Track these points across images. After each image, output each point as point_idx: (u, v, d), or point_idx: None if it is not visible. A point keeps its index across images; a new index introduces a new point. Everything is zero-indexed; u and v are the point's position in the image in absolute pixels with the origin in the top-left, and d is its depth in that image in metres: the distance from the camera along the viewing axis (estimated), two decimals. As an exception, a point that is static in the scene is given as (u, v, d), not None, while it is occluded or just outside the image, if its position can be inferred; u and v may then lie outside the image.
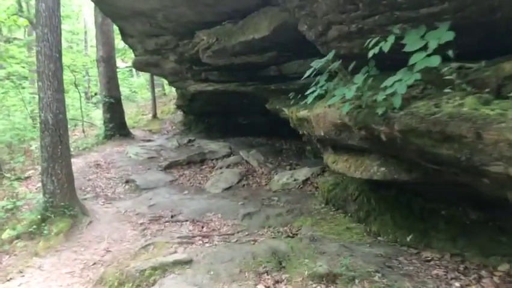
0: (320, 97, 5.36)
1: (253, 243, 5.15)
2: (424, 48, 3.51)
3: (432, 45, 3.46)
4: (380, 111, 3.92)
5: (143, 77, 33.44)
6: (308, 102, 4.77)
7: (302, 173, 8.00)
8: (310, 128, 6.15)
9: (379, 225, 5.26)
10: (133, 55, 30.58)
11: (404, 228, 5.08)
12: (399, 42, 3.88)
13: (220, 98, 14.17)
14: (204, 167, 9.56)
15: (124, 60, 30.37)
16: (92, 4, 17.97)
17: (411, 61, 3.63)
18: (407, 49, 3.68)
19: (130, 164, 10.91)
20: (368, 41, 4.17)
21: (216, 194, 7.73)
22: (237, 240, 5.32)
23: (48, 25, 5.94)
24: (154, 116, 20.56)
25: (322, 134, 4.72)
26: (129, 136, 16.35)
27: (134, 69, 34.34)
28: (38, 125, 5.98)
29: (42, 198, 6.02)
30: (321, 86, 4.76)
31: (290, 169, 9.08)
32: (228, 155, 10.21)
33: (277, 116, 12.85)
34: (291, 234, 5.38)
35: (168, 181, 8.45)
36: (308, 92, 4.96)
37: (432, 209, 4.99)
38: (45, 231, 5.75)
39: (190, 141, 14.56)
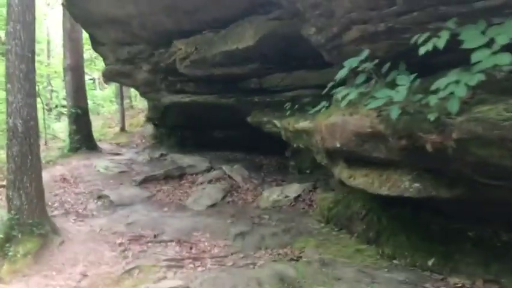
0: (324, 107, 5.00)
1: (253, 267, 4.66)
2: (487, 45, 3.13)
3: (501, 40, 3.03)
4: (431, 116, 3.42)
5: (108, 89, 32.39)
6: (343, 105, 4.17)
7: (293, 190, 7.58)
8: (310, 140, 5.79)
9: (393, 247, 4.87)
10: (98, 66, 29.77)
11: (423, 250, 4.69)
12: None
13: (196, 111, 13.68)
14: (182, 182, 8.98)
15: (88, 72, 29.35)
16: (58, 11, 17.20)
17: (474, 59, 3.16)
18: (466, 46, 3.23)
19: (99, 179, 10.20)
20: (417, 36, 3.71)
21: (200, 211, 7.21)
22: (233, 264, 4.82)
23: (21, 21, 5.34)
24: (122, 128, 19.74)
25: (338, 145, 4.32)
26: (96, 149, 15.52)
27: (97, 82, 33.34)
28: (5, 132, 5.29)
29: (7, 215, 5.32)
30: (357, 86, 4.17)
31: (276, 185, 8.65)
32: (208, 170, 9.68)
33: (257, 130, 12.46)
34: (294, 257, 4.91)
35: (145, 197, 7.83)
36: (341, 94, 4.35)
37: (455, 229, 4.62)
38: (10, 253, 5.04)
39: (162, 155, 13.95)
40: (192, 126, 15.45)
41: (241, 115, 12.11)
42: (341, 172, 4.69)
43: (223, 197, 7.70)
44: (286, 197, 7.34)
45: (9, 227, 5.25)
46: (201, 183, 8.48)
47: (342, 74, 4.31)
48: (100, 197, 7.97)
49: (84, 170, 11.73)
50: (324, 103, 5.22)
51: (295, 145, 7.05)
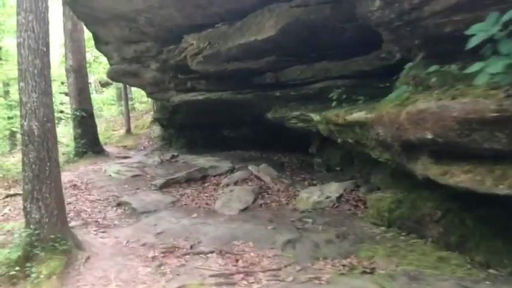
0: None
1: (320, 283, 4.05)
2: None
3: None
4: None
5: (106, 93, 31.68)
6: (481, 82, 3.26)
7: (333, 189, 6.97)
8: (366, 133, 5.18)
9: (486, 253, 4.22)
10: (92, 68, 29.05)
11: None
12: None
13: (207, 109, 13.10)
14: (206, 184, 8.37)
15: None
16: (58, 11, 16.54)
17: None
18: None
19: (113, 184, 9.60)
20: None
21: (233, 216, 6.59)
22: (294, 279, 4.20)
23: (33, 10, 4.73)
24: (128, 131, 19.14)
25: (428, 136, 3.71)
26: (103, 153, 14.91)
27: (93, 86, 32.61)
28: (20, 136, 4.67)
29: (26, 231, 4.71)
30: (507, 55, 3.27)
31: (308, 185, 8.05)
32: (231, 171, 9.07)
33: (272, 127, 11.89)
34: (367, 270, 4.28)
35: (169, 202, 7.21)
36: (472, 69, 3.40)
37: None
38: (32, 274, 4.44)
39: (173, 156, 13.34)
40: (201, 126, 14.87)
41: (257, 112, 11.54)
42: (427, 168, 4.05)
43: (254, 200, 7.08)
44: (328, 197, 6.72)
45: (28, 244, 4.63)
46: (227, 185, 7.87)
47: (473, 43, 3.40)
48: (119, 204, 7.35)
49: (94, 175, 11.14)
50: (404, 87, 4.47)
51: (340, 140, 6.44)
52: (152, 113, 21.84)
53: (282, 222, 6.22)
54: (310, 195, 6.71)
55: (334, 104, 6.67)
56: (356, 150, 6.46)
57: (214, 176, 8.71)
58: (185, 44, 10.92)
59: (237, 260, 4.72)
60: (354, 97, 6.44)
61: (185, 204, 7.10)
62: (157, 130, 17.59)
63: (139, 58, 12.84)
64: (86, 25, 12.50)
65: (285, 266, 4.55)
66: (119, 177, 10.40)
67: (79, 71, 14.32)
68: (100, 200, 8.09)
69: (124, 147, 16.93)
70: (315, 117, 7.12)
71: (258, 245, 5.23)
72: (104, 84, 33.47)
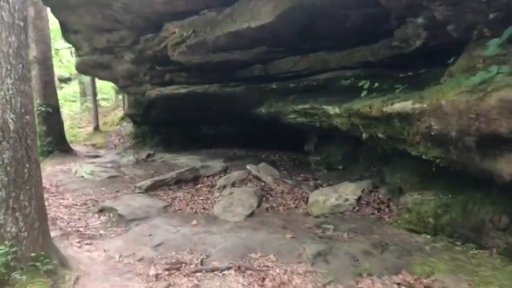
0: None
1: None
2: None
3: None
4: None
5: (67, 88, 29.95)
6: None
7: (349, 191, 6.29)
8: (408, 126, 4.55)
9: None
10: (57, 64, 27.42)
11: None
12: None
13: (186, 105, 12.22)
14: (198, 186, 7.52)
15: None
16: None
17: None
18: None
19: (87, 186, 8.66)
20: None
21: (239, 223, 5.80)
22: (340, 304, 3.50)
23: (6, -24, 3.81)
24: (96, 128, 17.95)
25: None
26: (70, 152, 13.78)
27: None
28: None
29: (0, 249, 3.82)
30: None
31: (316, 185, 7.37)
32: (225, 170, 8.25)
33: (257, 124, 11.20)
34: None
35: (160, 208, 6.34)
36: None
37: None
38: (10, 304, 3.56)
39: (149, 155, 12.44)
40: (179, 123, 13.97)
41: (242, 107, 10.82)
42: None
43: (259, 203, 6.31)
44: (346, 200, 6.05)
45: (3, 264, 3.73)
46: (224, 187, 7.07)
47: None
48: (102, 210, 6.43)
49: (64, 176, 10.13)
50: (495, 68, 3.77)
51: (365, 135, 5.80)
52: (120, 109, 20.70)
53: (299, 230, 5.52)
54: (327, 198, 6.01)
55: (364, 94, 6.00)
56: (383, 147, 5.84)
57: (207, 176, 7.87)
58: (166, 33, 10.07)
59: (262, 279, 3.97)
60: (385, 86, 5.81)
61: (180, 209, 6.28)
62: (128, 127, 16.53)
63: (111, 48, 11.83)
64: (53, 12, 11.36)
65: (324, 286, 3.85)
66: (93, 178, 9.46)
67: (43, 63, 13.13)
68: (76, 205, 7.15)
69: (93, 145, 15.79)
70: (333, 110, 6.46)
71: (280, 258, 4.51)
72: (64, 80, 31.72)
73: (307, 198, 6.34)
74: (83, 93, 26.03)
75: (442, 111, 4.04)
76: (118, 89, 22.92)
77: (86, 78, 22.16)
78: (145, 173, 9.87)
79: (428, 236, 4.95)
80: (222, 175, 7.87)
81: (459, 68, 4.57)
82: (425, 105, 4.29)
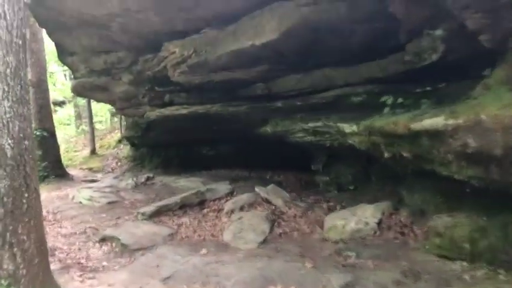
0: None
1: None
2: None
3: None
4: None
5: (62, 111, 29.66)
6: None
7: (368, 213, 5.90)
8: (438, 143, 4.27)
9: None
10: (52, 85, 27.17)
11: None
12: None
13: (185, 126, 11.95)
14: (205, 211, 7.15)
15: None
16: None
17: None
18: None
19: (86, 213, 8.30)
20: None
21: (251, 250, 5.42)
22: None
23: (5, -8, 3.55)
24: (93, 151, 17.59)
25: None
26: (67, 177, 13.44)
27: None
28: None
29: (-5, 287, 3.46)
30: None
31: (329, 208, 7.00)
32: (231, 193, 7.92)
33: (258, 143, 10.94)
34: None
35: (166, 235, 6.00)
36: None
37: None
38: None
39: (148, 178, 12.10)
40: (177, 144, 13.68)
41: (243, 127, 10.55)
42: None
43: (271, 229, 5.92)
44: (367, 224, 5.67)
45: (0, 306, 3.37)
46: (232, 212, 6.70)
47: None
48: (104, 240, 6.05)
49: (61, 202, 9.77)
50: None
51: (387, 154, 5.49)
52: (116, 131, 20.41)
53: (318, 257, 5.16)
54: (347, 222, 5.62)
55: (386, 110, 5.72)
56: (405, 167, 5.52)
57: (213, 200, 7.52)
58: (165, 53, 9.84)
59: (288, 316, 3.63)
60: (407, 102, 5.54)
61: (187, 237, 5.92)
62: (125, 150, 16.21)
63: (109, 70, 11.59)
64: (48, 34, 11.14)
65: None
66: (92, 204, 9.12)
67: (38, 86, 12.90)
68: (75, 233, 6.78)
69: (90, 169, 15.44)
70: (349, 127, 6.18)
71: (305, 291, 4.15)
72: (58, 103, 31.50)
73: (323, 222, 5.97)
74: (78, 116, 25.74)
75: (482, 127, 3.77)
76: (113, 111, 22.78)
77: (82, 101, 21.95)
78: (145, 197, 9.52)
79: (465, 263, 4.59)
80: (229, 198, 7.54)
81: (497, 79, 4.30)
82: (460, 121, 4.02)
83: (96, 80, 12.06)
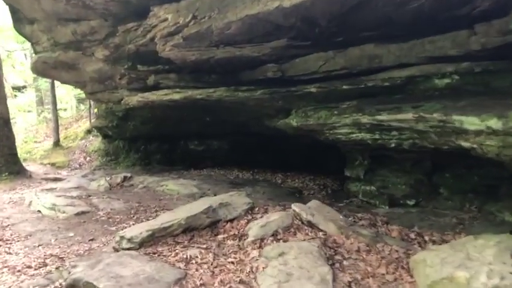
0: None
1: None
2: None
3: None
4: None
5: (22, 97, 26.84)
6: None
7: (490, 255, 3.79)
8: None
9: None
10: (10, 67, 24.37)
11: None
12: None
13: (173, 116, 9.94)
14: (220, 237, 4.84)
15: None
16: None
17: None
18: None
19: (47, 229, 6.30)
20: None
21: None
22: None
23: None
24: (57, 143, 15.24)
25: None
26: (24, 174, 11.19)
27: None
28: None
29: None
30: None
31: (402, 237, 4.91)
32: (251, 209, 5.77)
33: (260, 139, 9.03)
34: None
35: (172, 282, 3.86)
36: None
37: None
38: None
39: (126, 179, 10.07)
40: (160, 137, 11.58)
41: (252, 117, 8.64)
42: None
43: (334, 275, 3.85)
44: (502, 278, 3.59)
45: None
46: (261, 241, 4.56)
47: None
48: (73, 287, 3.98)
49: (13, 210, 7.73)
50: None
51: None
52: (85, 120, 18.07)
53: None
54: (475, 275, 3.47)
55: None
56: None
57: (230, 220, 5.32)
58: (153, 20, 7.84)
59: None
60: None
61: (203, 285, 3.85)
62: (96, 142, 14.00)
63: (79, 43, 9.49)
64: (2, -6, 8.85)
65: None
66: (55, 215, 7.12)
67: (-11, 63, 10.50)
68: (30, 267, 4.75)
69: (53, 164, 13.20)
70: (481, 123, 4.17)
71: None
72: (18, 88, 28.67)
73: (407, 262, 4.00)
74: (40, 102, 23.08)
75: None
76: (80, 97, 20.33)
77: (44, 84, 19.37)
78: (125, 206, 7.50)
79: None
80: (250, 218, 5.39)
81: None
82: None
83: (62, 55, 9.88)
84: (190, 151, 11.81)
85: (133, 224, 6.07)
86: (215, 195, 7.49)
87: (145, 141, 11.87)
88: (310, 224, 4.78)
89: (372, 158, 6.76)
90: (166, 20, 7.61)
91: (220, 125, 10.15)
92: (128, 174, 10.28)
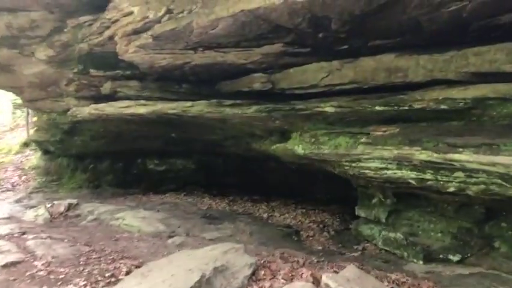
0: None
1: None
2: None
3: None
4: None
5: None
6: None
7: None
8: None
9: None
10: None
11: None
12: None
13: (128, 130, 8.38)
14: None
15: None
16: None
17: None
18: None
19: None
20: None
21: None
22: None
23: None
24: (-15, 158, 12.99)
25: None
26: None
27: None
28: None
29: None
30: None
31: None
32: (255, 273, 4.21)
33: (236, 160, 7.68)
34: None
35: None
36: None
37: None
38: None
39: (71, 206, 8.39)
40: (113, 154, 9.91)
41: (228, 137, 7.25)
42: None
43: None
44: None
45: None
46: None
47: None
48: None
49: None
50: None
51: None
52: (21, 130, 15.90)
53: None
54: None
55: None
56: None
57: None
58: (115, 13, 6.39)
59: None
60: None
61: None
62: (34, 158, 11.99)
63: (15, 40, 7.80)
64: None
65: None
66: (-26, 265, 5.30)
67: None
68: None
69: (-24, 185, 11.02)
70: None
71: None
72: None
73: None
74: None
75: None
76: (16, 103, 18.02)
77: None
78: (72, 251, 5.84)
79: None
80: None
81: None
82: None
83: (-7, 54, 8.05)
84: (148, 171, 10.25)
85: (84, 286, 4.47)
86: (187, 235, 6.04)
87: (94, 158, 10.16)
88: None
89: (396, 196, 5.44)
90: (131, 13, 6.16)
91: (187, 143, 8.69)
92: (74, 201, 8.54)
